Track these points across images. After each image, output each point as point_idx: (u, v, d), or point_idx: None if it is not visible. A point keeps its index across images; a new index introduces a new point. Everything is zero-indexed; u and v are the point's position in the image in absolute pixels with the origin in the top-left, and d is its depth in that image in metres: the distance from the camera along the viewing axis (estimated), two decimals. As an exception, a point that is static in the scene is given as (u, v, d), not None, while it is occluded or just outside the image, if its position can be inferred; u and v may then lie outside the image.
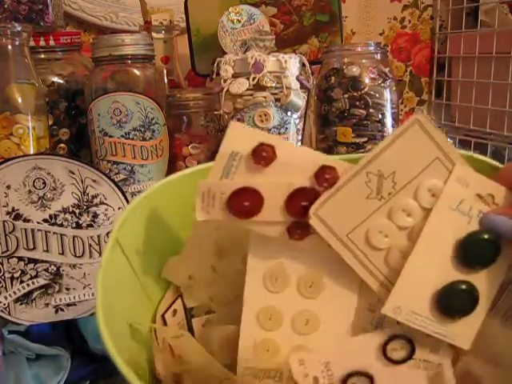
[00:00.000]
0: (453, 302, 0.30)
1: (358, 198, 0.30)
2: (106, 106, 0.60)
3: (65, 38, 0.67)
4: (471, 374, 0.33)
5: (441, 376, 0.32)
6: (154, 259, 0.37)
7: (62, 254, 0.49)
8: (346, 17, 0.95)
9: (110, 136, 0.60)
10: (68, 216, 0.49)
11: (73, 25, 0.86)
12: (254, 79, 0.59)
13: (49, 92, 0.64)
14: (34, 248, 0.48)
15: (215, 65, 0.62)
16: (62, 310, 0.49)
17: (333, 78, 0.66)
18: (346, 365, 0.31)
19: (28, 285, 0.48)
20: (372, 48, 0.66)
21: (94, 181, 0.49)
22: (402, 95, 1.04)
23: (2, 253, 0.48)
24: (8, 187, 0.48)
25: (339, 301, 0.32)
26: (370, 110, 0.65)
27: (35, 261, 0.48)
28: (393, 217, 0.31)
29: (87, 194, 0.49)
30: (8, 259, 0.48)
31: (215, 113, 0.62)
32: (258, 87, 0.59)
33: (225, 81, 0.60)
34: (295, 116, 0.61)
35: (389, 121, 0.66)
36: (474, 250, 0.30)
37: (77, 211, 0.49)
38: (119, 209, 0.50)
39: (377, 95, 0.65)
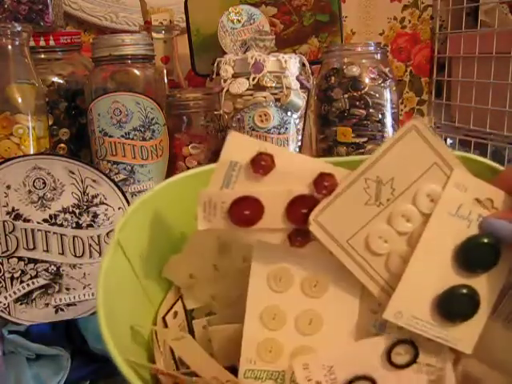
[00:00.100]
0: (454, 306, 0.30)
1: (357, 204, 0.31)
2: (106, 106, 0.60)
3: (65, 38, 0.67)
4: (471, 377, 0.33)
5: (442, 380, 0.32)
6: (155, 261, 0.37)
7: (62, 253, 0.49)
8: (346, 17, 0.95)
9: (110, 136, 0.60)
10: (68, 216, 0.49)
11: (73, 25, 0.86)
12: (253, 79, 0.59)
13: (49, 92, 0.64)
14: (34, 248, 0.48)
15: (215, 65, 0.62)
16: (62, 309, 0.49)
17: (333, 77, 0.66)
18: (349, 369, 0.31)
19: (28, 285, 0.48)
20: (372, 48, 0.66)
21: (94, 181, 0.49)
22: (402, 95, 1.04)
23: (2, 253, 0.48)
24: (8, 187, 0.48)
25: (342, 302, 0.33)
26: (370, 110, 0.65)
27: (35, 261, 0.48)
28: (392, 222, 0.31)
29: (87, 194, 0.49)
30: (8, 259, 0.48)
31: (215, 113, 0.62)
32: (258, 87, 0.59)
33: (225, 81, 0.60)
34: (295, 116, 0.61)
35: (389, 121, 0.66)
36: (473, 254, 0.30)
37: (77, 211, 0.49)
38: (119, 209, 0.50)
39: (377, 95, 0.65)
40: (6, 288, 0.48)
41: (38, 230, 0.48)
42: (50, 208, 0.49)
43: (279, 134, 0.60)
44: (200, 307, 0.38)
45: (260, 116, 0.59)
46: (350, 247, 0.31)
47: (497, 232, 0.30)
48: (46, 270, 0.49)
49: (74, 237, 0.49)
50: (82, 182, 0.49)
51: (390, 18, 1.00)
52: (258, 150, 0.30)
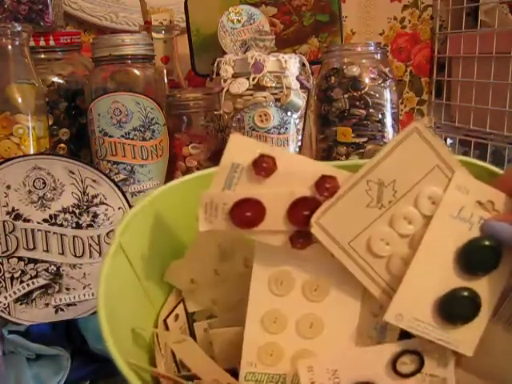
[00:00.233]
0: (455, 308, 0.30)
1: (358, 207, 0.31)
2: (106, 106, 0.60)
3: (65, 38, 0.67)
4: None
5: None
6: (156, 264, 0.37)
7: (62, 253, 0.49)
8: (346, 17, 0.95)
9: (110, 136, 0.60)
10: (68, 216, 0.49)
11: (73, 25, 0.86)
12: (254, 79, 0.59)
13: (49, 92, 0.64)
14: (34, 248, 0.48)
15: (215, 65, 0.62)
16: (62, 309, 0.49)
17: (333, 77, 0.66)
18: (353, 374, 0.31)
19: (28, 285, 0.48)
20: (372, 48, 0.66)
21: (94, 181, 0.49)
22: (402, 95, 1.04)
23: (2, 253, 0.48)
24: (8, 187, 0.48)
25: (343, 305, 0.33)
26: (370, 110, 0.65)
27: (35, 261, 0.48)
28: (394, 224, 0.31)
29: (87, 194, 0.49)
30: (8, 259, 0.48)
31: (215, 113, 0.62)
32: (258, 87, 0.59)
33: (225, 81, 0.60)
34: (295, 116, 0.61)
35: (389, 121, 0.66)
36: (475, 257, 0.30)
37: (77, 211, 0.49)
38: (119, 209, 0.50)
39: (377, 95, 0.65)
40: (5, 288, 0.48)
41: (38, 229, 0.48)
42: (50, 208, 0.49)
43: (279, 134, 0.60)
44: (201, 310, 0.38)
45: (260, 116, 0.59)
46: (351, 249, 0.31)
47: (498, 234, 0.30)
48: (46, 269, 0.49)
49: (73, 237, 0.49)
50: (82, 181, 0.49)
51: (390, 18, 1.00)
52: (259, 152, 0.30)
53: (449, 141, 0.97)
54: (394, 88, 0.66)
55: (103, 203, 0.49)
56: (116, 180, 0.56)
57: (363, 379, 0.31)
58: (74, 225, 0.49)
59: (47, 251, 0.48)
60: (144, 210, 0.35)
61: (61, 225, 0.49)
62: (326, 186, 0.30)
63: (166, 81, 0.69)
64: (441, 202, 0.30)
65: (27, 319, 0.48)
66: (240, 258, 0.37)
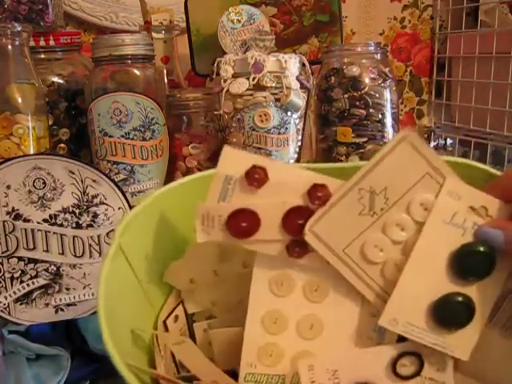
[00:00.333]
0: (449, 313, 0.30)
1: (351, 214, 0.31)
2: (106, 106, 0.60)
3: (65, 38, 0.67)
4: None
5: None
6: (156, 265, 0.37)
7: (62, 253, 0.49)
8: (346, 17, 0.95)
9: (110, 136, 0.60)
10: (68, 216, 0.49)
11: (73, 25, 0.86)
12: (254, 79, 0.59)
13: (49, 92, 0.64)
14: (34, 248, 0.48)
15: (215, 65, 0.62)
16: (62, 309, 0.49)
17: (333, 77, 0.66)
18: (353, 375, 0.31)
19: (28, 285, 0.48)
20: (372, 48, 0.66)
21: (94, 181, 0.49)
22: (402, 95, 1.04)
23: (2, 253, 0.48)
24: (8, 187, 0.48)
25: (343, 306, 0.33)
26: (370, 110, 0.65)
27: (35, 261, 0.48)
28: (387, 231, 0.31)
29: (87, 194, 0.49)
30: (8, 259, 0.48)
31: (215, 113, 0.62)
32: (258, 87, 0.59)
33: (225, 81, 0.60)
34: (295, 116, 0.61)
35: (389, 121, 0.66)
36: (468, 262, 0.30)
37: (77, 211, 0.49)
38: (119, 209, 0.50)
39: (377, 95, 0.65)
40: (5, 288, 0.48)
41: (38, 229, 0.48)
42: (50, 208, 0.49)
43: (279, 134, 0.60)
44: (201, 311, 0.38)
45: (260, 116, 0.59)
46: (346, 256, 0.31)
47: (492, 241, 0.30)
48: (46, 269, 0.49)
49: (73, 237, 0.49)
50: (82, 181, 0.49)
51: (390, 18, 1.00)
52: (251, 164, 0.31)
53: (449, 141, 0.97)
54: (394, 88, 0.66)
55: (103, 203, 0.49)
56: (116, 180, 0.56)
57: (363, 380, 0.31)
58: (73, 225, 0.49)
59: (47, 251, 0.48)
60: (144, 211, 0.35)
61: (61, 225, 0.49)
62: (317, 195, 0.31)
63: (166, 81, 0.69)
64: (433, 208, 0.31)
65: (27, 319, 0.48)
66: (239, 258, 0.37)
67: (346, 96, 0.65)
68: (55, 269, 0.49)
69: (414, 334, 0.31)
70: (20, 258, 0.48)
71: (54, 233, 0.48)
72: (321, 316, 0.33)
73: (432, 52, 1.03)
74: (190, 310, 0.38)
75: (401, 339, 0.32)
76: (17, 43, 0.57)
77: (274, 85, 0.59)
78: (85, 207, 0.49)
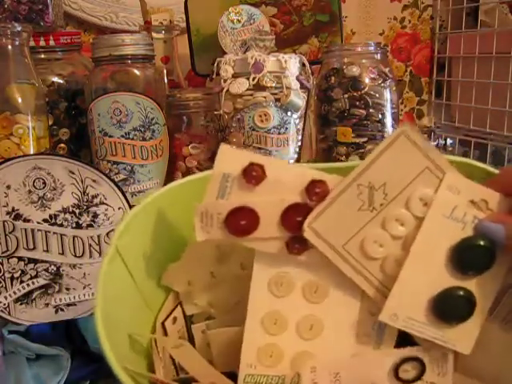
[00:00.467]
0: (449, 307, 0.30)
1: (350, 210, 0.31)
2: (106, 106, 0.60)
3: (65, 38, 0.67)
4: None
5: None
6: (154, 267, 0.37)
7: (62, 253, 0.49)
8: (346, 17, 0.95)
9: (110, 136, 0.60)
10: (68, 216, 0.49)
11: (73, 25, 0.86)
12: (254, 79, 0.59)
13: (49, 92, 0.64)
14: (34, 248, 0.48)
15: (215, 65, 0.62)
16: (62, 309, 0.49)
17: (333, 77, 0.66)
18: (355, 378, 0.31)
19: (28, 285, 0.48)
20: (372, 48, 0.66)
21: (94, 181, 0.49)
22: (402, 95, 1.04)
23: (2, 253, 0.48)
24: (8, 187, 0.48)
25: (343, 306, 0.33)
26: (370, 110, 0.65)
27: (35, 261, 0.48)
28: (386, 226, 0.31)
29: (87, 194, 0.49)
30: (8, 259, 0.48)
31: (215, 113, 0.62)
32: (258, 87, 0.59)
33: (225, 81, 0.60)
34: (295, 116, 0.61)
35: (389, 121, 0.66)
36: (468, 256, 0.30)
37: (77, 211, 0.49)
38: (119, 209, 0.50)
39: (377, 95, 0.65)
40: (6, 288, 0.48)
41: (38, 229, 0.48)
42: (50, 208, 0.49)
43: (279, 134, 0.60)
44: (199, 313, 0.38)
45: (260, 116, 0.59)
46: (345, 252, 0.31)
47: (492, 235, 0.30)
48: (46, 270, 0.49)
49: (73, 237, 0.49)
50: (82, 181, 0.49)
51: (390, 18, 1.00)
52: (248, 161, 0.31)
53: (449, 141, 0.97)
54: (394, 88, 0.66)
55: (103, 203, 0.49)
56: (116, 180, 0.56)
57: (365, 383, 0.31)
58: (73, 225, 0.49)
59: (47, 251, 0.48)
60: (143, 212, 0.35)
61: (61, 225, 0.49)
62: (315, 191, 0.31)
63: (166, 81, 0.69)
64: (432, 203, 0.31)
65: (27, 319, 0.48)
66: (237, 260, 0.37)
67: (346, 96, 0.65)
68: (55, 269, 0.49)
69: (415, 329, 0.31)
70: (20, 258, 0.48)
71: (54, 233, 0.48)
72: (320, 316, 0.33)
73: (432, 52, 1.03)
74: (188, 312, 0.38)
75: (400, 337, 0.32)
76: (17, 43, 0.57)
77: (273, 85, 0.59)
78: (85, 207, 0.49)
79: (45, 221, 0.48)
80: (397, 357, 0.31)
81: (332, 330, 0.33)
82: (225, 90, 0.60)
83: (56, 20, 0.67)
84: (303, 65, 0.62)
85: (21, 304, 0.48)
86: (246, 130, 0.60)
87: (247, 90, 0.59)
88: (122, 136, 0.60)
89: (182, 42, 0.75)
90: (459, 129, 0.96)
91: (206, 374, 0.33)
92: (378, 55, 0.66)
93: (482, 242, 0.30)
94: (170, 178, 0.63)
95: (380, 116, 0.65)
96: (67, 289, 0.49)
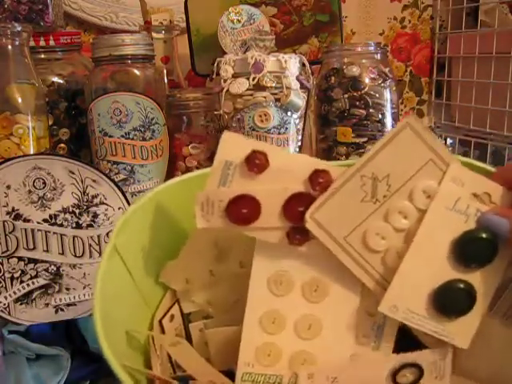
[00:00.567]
0: (450, 300, 0.30)
1: (353, 201, 0.31)
2: (106, 106, 0.60)
3: (65, 38, 0.67)
4: None
5: None
6: (152, 265, 0.37)
7: (62, 253, 0.49)
8: (346, 17, 0.95)
9: (110, 136, 0.60)
10: (68, 216, 0.49)
11: (73, 25, 0.86)
12: (254, 79, 0.59)
13: (49, 92, 0.64)
14: (34, 248, 0.48)
15: (215, 65, 0.62)
16: (62, 309, 0.49)
17: (333, 77, 0.66)
18: (353, 383, 0.31)
19: (28, 285, 0.48)
20: (372, 48, 0.66)
21: (94, 181, 0.49)
22: (402, 95, 1.04)
23: (2, 253, 0.48)
24: (8, 187, 0.48)
25: (342, 306, 0.33)
26: (370, 110, 0.65)
27: (35, 261, 0.48)
28: (389, 219, 0.31)
29: (87, 194, 0.49)
30: (8, 259, 0.48)
31: (215, 113, 0.62)
32: (258, 87, 0.59)
33: (225, 81, 0.60)
34: (295, 116, 0.61)
35: (389, 121, 0.66)
36: (470, 249, 0.30)
37: (77, 211, 0.49)
38: (119, 209, 0.50)
39: (377, 95, 0.65)
40: (6, 288, 0.48)
41: (38, 229, 0.48)
42: (50, 208, 0.49)
43: (279, 133, 0.60)
44: (197, 311, 0.38)
45: (260, 116, 0.59)
46: (347, 244, 0.31)
47: (495, 228, 0.30)
48: (46, 270, 0.49)
49: (73, 237, 0.49)
50: (82, 181, 0.49)
51: (390, 18, 1.00)
52: (251, 149, 0.30)
53: (449, 141, 0.97)
54: (394, 88, 0.66)
55: (103, 203, 0.49)
56: (116, 180, 0.56)
57: None
58: (74, 225, 0.49)
59: (47, 251, 0.48)
60: (141, 209, 0.35)
61: (61, 225, 0.49)
62: (319, 181, 0.30)
63: (166, 81, 0.69)
64: (436, 194, 0.30)
65: (27, 319, 0.48)
66: (236, 258, 0.37)
67: (346, 96, 0.65)
68: (55, 269, 0.49)
69: (414, 322, 0.30)
70: (20, 258, 0.48)
71: (54, 233, 0.48)
72: (319, 316, 0.32)
73: (432, 52, 1.03)
74: (185, 310, 0.38)
75: (399, 338, 0.32)
76: (17, 43, 0.57)
77: (274, 85, 0.59)
78: (85, 207, 0.49)
79: (45, 221, 0.48)
80: (396, 363, 0.31)
81: (331, 330, 0.32)
82: (225, 90, 0.60)
83: (56, 20, 0.67)
84: (303, 65, 0.62)
85: (21, 304, 0.48)
86: (246, 130, 0.60)
87: (247, 89, 0.59)
88: (122, 136, 0.60)
89: (182, 42, 0.75)
90: (459, 129, 0.96)
91: (204, 372, 0.32)
92: (378, 55, 0.66)
93: (484, 235, 0.30)
94: (169, 178, 0.62)
95: (380, 116, 0.65)
96: (67, 289, 0.49)
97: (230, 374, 0.33)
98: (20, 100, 0.57)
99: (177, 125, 0.64)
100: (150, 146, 0.61)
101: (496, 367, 0.33)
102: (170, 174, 0.63)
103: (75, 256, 0.49)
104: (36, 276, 0.48)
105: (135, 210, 0.34)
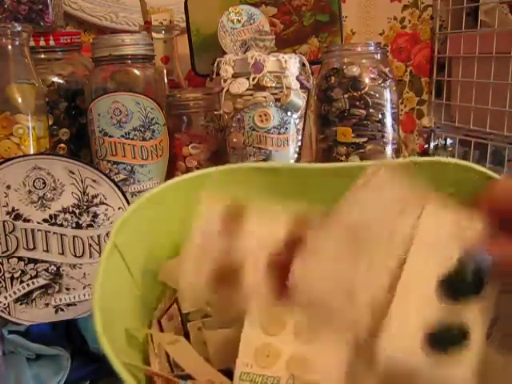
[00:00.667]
0: (444, 341, 0.30)
1: (332, 261, 0.30)
2: (106, 106, 0.60)
3: (65, 38, 0.67)
4: None
5: None
6: (151, 264, 0.37)
7: (62, 253, 0.49)
8: (346, 17, 0.95)
9: (110, 136, 0.60)
10: (68, 216, 0.49)
11: (73, 25, 0.86)
12: (254, 79, 0.59)
13: (49, 92, 0.64)
14: (34, 248, 0.48)
15: (215, 65, 0.62)
16: (62, 309, 0.49)
17: (333, 77, 0.66)
18: None
19: (28, 285, 0.48)
20: (372, 48, 0.66)
21: (94, 181, 0.49)
22: (402, 95, 1.04)
23: (2, 253, 0.48)
24: (8, 187, 0.48)
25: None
26: (370, 110, 0.65)
27: (35, 261, 0.48)
28: (372, 271, 0.30)
29: (87, 194, 0.49)
30: (8, 259, 0.48)
31: (215, 113, 0.62)
32: (258, 87, 0.59)
33: (225, 81, 0.60)
34: (295, 116, 0.61)
35: (389, 121, 0.66)
36: (457, 286, 0.30)
37: (77, 211, 0.49)
38: (119, 209, 0.50)
39: (377, 95, 0.65)
40: (5, 288, 0.48)
41: (38, 229, 0.48)
42: (50, 208, 0.49)
43: (279, 133, 0.60)
44: (196, 310, 0.38)
45: (260, 116, 0.59)
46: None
47: (477, 264, 0.29)
48: (46, 270, 0.49)
49: (73, 237, 0.49)
50: (82, 181, 0.49)
51: (390, 18, 1.00)
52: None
53: (449, 141, 0.97)
54: (394, 88, 0.66)
55: (103, 203, 0.49)
56: (116, 180, 0.56)
57: None
58: (73, 225, 0.49)
59: (47, 251, 0.48)
60: (139, 210, 0.35)
61: (61, 225, 0.49)
62: (294, 249, 0.30)
63: (166, 81, 0.69)
64: (415, 237, 0.30)
65: (27, 319, 0.48)
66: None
67: (346, 96, 0.65)
68: (55, 269, 0.49)
69: (410, 366, 0.30)
70: (20, 258, 0.48)
71: (54, 233, 0.48)
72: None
73: (432, 52, 1.03)
74: (184, 310, 0.38)
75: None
76: (17, 43, 0.57)
77: (274, 85, 0.59)
78: (85, 207, 0.49)
79: (45, 221, 0.49)
80: None
81: (330, 334, 0.32)
82: (225, 90, 0.60)
83: (56, 20, 0.67)
84: (303, 65, 0.62)
85: (21, 304, 0.48)
86: (246, 129, 0.60)
87: (247, 89, 0.59)
88: (122, 136, 0.60)
89: (182, 42, 0.75)
90: (459, 129, 0.96)
91: (203, 371, 0.32)
92: (378, 55, 0.66)
93: (469, 271, 0.29)
94: (170, 178, 0.62)
95: (380, 116, 0.65)
96: (67, 289, 0.49)
97: (228, 373, 0.33)
98: (20, 100, 0.57)
99: (177, 125, 0.64)
100: (149, 146, 0.61)
101: None
102: (170, 174, 0.63)
103: (75, 256, 0.49)
104: (36, 276, 0.48)
105: (134, 210, 0.34)
